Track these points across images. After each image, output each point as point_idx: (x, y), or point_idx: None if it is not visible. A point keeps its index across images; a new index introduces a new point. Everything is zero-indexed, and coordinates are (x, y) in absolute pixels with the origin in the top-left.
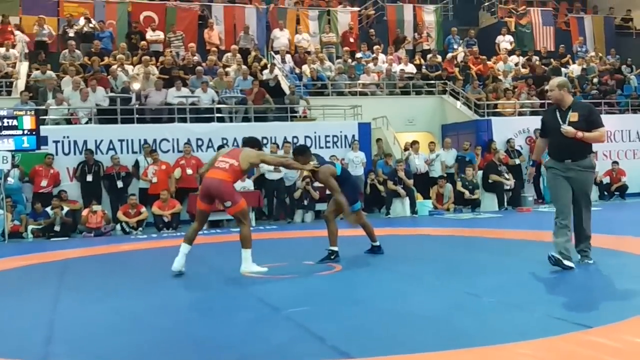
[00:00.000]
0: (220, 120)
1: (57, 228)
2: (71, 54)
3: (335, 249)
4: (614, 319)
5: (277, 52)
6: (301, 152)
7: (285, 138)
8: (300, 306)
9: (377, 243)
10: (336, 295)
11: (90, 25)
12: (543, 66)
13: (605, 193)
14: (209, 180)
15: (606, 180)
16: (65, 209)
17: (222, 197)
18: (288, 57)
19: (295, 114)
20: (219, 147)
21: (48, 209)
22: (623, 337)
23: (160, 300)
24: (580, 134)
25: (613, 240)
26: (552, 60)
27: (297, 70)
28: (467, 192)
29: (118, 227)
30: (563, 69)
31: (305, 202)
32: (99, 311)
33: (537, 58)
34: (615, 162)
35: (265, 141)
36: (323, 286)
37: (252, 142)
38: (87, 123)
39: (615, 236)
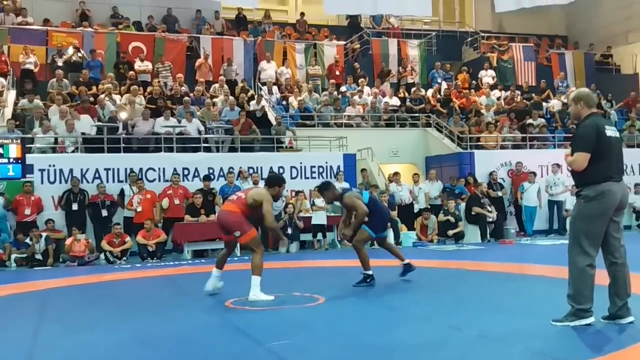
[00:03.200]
0: (207, 150)
1: (38, 256)
2: (59, 82)
3: (370, 272)
4: (593, 354)
5: (264, 84)
6: (326, 188)
7: (271, 168)
8: (282, 339)
9: (370, 272)
10: (319, 328)
11: (79, 54)
12: (525, 101)
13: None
14: (219, 212)
15: None
16: (44, 235)
17: (230, 227)
18: (275, 89)
19: (281, 145)
20: (205, 177)
21: (28, 240)
22: None
23: (142, 331)
24: (566, 156)
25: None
26: (533, 95)
27: (284, 102)
28: (451, 218)
29: (102, 256)
30: (544, 104)
31: (290, 232)
32: (80, 342)
33: (519, 93)
34: None
35: (251, 171)
36: (306, 318)
37: (271, 181)
38: (73, 152)
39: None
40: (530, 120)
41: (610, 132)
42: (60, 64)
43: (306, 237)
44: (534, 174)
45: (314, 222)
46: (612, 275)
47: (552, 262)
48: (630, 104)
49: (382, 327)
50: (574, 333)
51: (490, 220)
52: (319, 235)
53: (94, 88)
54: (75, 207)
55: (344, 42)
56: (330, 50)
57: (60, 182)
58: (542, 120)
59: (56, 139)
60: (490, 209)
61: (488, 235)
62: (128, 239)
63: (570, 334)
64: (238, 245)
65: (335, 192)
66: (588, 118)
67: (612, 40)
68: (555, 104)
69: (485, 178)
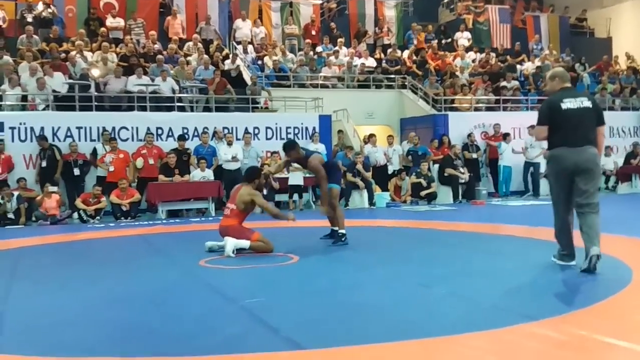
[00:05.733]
0: (181, 109)
1: (10, 215)
2: (29, 39)
3: (344, 231)
4: (560, 311)
5: (239, 43)
6: (291, 148)
7: (246, 129)
8: (255, 297)
9: (344, 231)
10: (292, 287)
11: (49, 10)
12: (499, 63)
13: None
14: (220, 228)
15: None
16: (15, 194)
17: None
18: (250, 48)
19: (256, 105)
20: (179, 137)
21: None
22: (568, 329)
23: (115, 291)
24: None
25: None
26: (508, 57)
27: (259, 62)
28: (423, 182)
29: (75, 215)
30: (518, 66)
31: (265, 192)
32: (51, 302)
33: (494, 55)
34: None
35: (226, 131)
36: (279, 277)
37: (248, 175)
38: (44, 110)
39: None
40: (504, 83)
41: (571, 104)
42: (30, 19)
43: (281, 197)
44: (508, 134)
45: (290, 182)
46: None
47: (521, 222)
48: (602, 67)
49: (353, 285)
50: (541, 291)
51: (463, 181)
52: (295, 196)
53: (65, 45)
54: (43, 164)
55: (320, 1)
56: (307, 9)
57: (32, 141)
58: (516, 82)
59: (26, 96)
60: (462, 171)
61: (460, 196)
62: (103, 198)
63: (537, 291)
64: (212, 205)
65: (300, 152)
66: (560, 91)
67: (587, 3)
68: (529, 67)
69: (459, 140)
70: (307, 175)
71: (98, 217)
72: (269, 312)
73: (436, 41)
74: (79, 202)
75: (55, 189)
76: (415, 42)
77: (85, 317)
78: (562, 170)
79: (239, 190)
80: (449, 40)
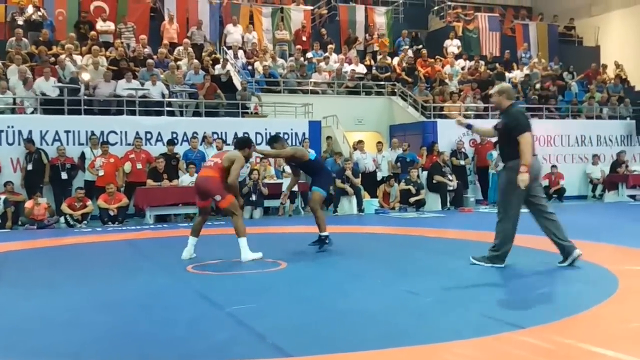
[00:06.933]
0: (171, 114)
1: None
2: (18, 42)
3: (326, 234)
4: (546, 320)
5: (229, 48)
6: (275, 140)
7: (235, 134)
8: (243, 304)
9: (326, 233)
10: (280, 293)
11: (39, 13)
12: (488, 71)
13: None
14: (198, 178)
15: (545, 183)
16: (2, 197)
17: (210, 192)
18: (240, 53)
19: (246, 110)
20: (169, 142)
21: None
22: (554, 338)
23: (102, 295)
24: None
25: (548, 242)
26: (497, 65)
27: (249, 67)
28: (412, 189)
29: (62, 219)
30: (507, 74)
31: (254, 198)
32: (37, 306)
33: (483, 63)
34: (554, 166)
35: (215, 136)
36: (267, 283)
37: (239, 143)
38: (32, 113)
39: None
40: (492, 91)
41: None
42: (20, 22)
43: (270, 203)
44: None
45: (284, 189)
46: (548, 227)
47: None
48: (590, 76)
49: (341, 292)
50: (528, 299)
51: (451, 188)
52: (287, 202)
53: (54, 48)
54: (29, 167)
55: (311, 7)
56: (297, 15)
57: (20, 144)
58: None
59: (14, 99)
60: (451, 178)
61: (448, 204)
62: (89, 202)
63: (525, 300)
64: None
65: (285, 145)
66: (512, 107)
67: (575, 12)
68: (517, 75)
69: (448, 147)
70: (301, 180)
71: (85, 222)
72: (256, 319)
73: (407, 47)
74: (65, 207)
75: (44, 200)
76: (377, 47)
77: (72, 322)
78: (533, 177)
79: (228, 151)
80: (420, 46)
